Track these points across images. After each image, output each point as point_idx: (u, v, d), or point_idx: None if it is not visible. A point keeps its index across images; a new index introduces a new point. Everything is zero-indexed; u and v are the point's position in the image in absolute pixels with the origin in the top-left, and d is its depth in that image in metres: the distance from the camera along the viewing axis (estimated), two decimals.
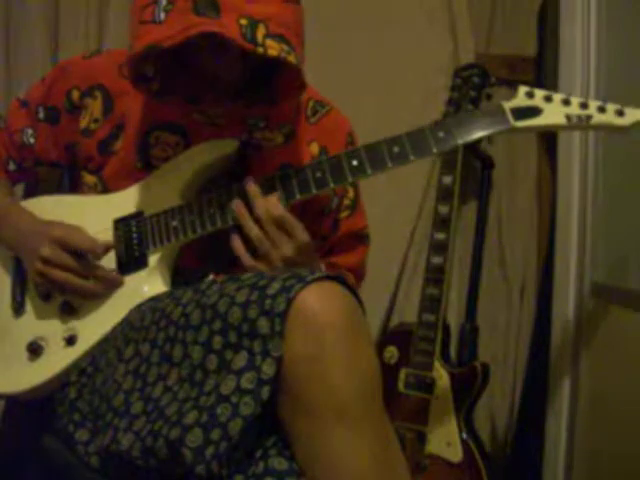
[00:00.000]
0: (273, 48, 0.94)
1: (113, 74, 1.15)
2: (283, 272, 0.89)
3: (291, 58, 0.95)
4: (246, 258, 1.05)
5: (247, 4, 0.94)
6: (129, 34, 1.00)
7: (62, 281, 1.05)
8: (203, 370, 0.87)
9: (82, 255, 1.06)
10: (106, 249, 1.08)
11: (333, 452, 0.82)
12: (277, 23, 0.96)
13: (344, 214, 1.25)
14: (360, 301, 0.90)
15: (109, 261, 1.09)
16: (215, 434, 0.82)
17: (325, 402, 0.82)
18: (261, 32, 0.94)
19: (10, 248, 1.15)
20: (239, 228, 1.05)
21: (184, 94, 1.11)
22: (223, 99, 1.11)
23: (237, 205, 1.04)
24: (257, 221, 1.03)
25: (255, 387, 0.82)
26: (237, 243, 1.06)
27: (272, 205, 1.03)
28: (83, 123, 1.15)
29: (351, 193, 1.26)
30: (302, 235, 1.03)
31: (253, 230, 1.03)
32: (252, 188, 1.04)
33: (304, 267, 1.01)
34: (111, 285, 1.07)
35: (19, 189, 1.30)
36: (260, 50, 0.93)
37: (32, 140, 1.19)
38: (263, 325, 0.83)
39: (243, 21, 0.93)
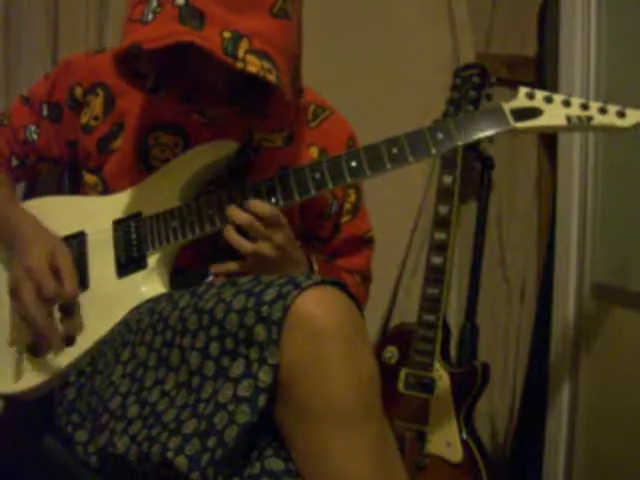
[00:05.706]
0: (253, 64, 0.93)
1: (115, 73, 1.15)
2: (279, 277, 0.88)
3: (270, 77, 0.94)
4: (243, 243, 1.04)
5: (235, 18, 0.94)
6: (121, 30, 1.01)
7: (26, 307, 0.99)
8: (200, 376, 0.86)
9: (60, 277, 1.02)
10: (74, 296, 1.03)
11: (331, 456, 0.82)
12: (263, 39, 0.95)
13: (345, 218, 1.25)
14: (358, 304, 0.89)
15: (108, 263, 1.09)
16: (211, 442, 0.82)
17: (323, 407, 0.82)
18: (243, 47, 0.93)
19: (6, 244, 1.14)
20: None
21: (179, 92, 1.10)
22: (219, 101, 1.10)
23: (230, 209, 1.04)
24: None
25: (252, 395, 0.82)
26: (231, 232, 1.05)
27: (259, 206, 1.03)
28: (84, 119, 1.16)
29: (352, 197, 1.25)
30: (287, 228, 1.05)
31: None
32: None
33: (294, 258, 1.05)
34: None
35: (19, 190, 1.30)
36: (239, 65, 0.93)
37: (35, 137, 1.19)
38: (260, 332, 0.83)
39: (227, 34, 0.93)
